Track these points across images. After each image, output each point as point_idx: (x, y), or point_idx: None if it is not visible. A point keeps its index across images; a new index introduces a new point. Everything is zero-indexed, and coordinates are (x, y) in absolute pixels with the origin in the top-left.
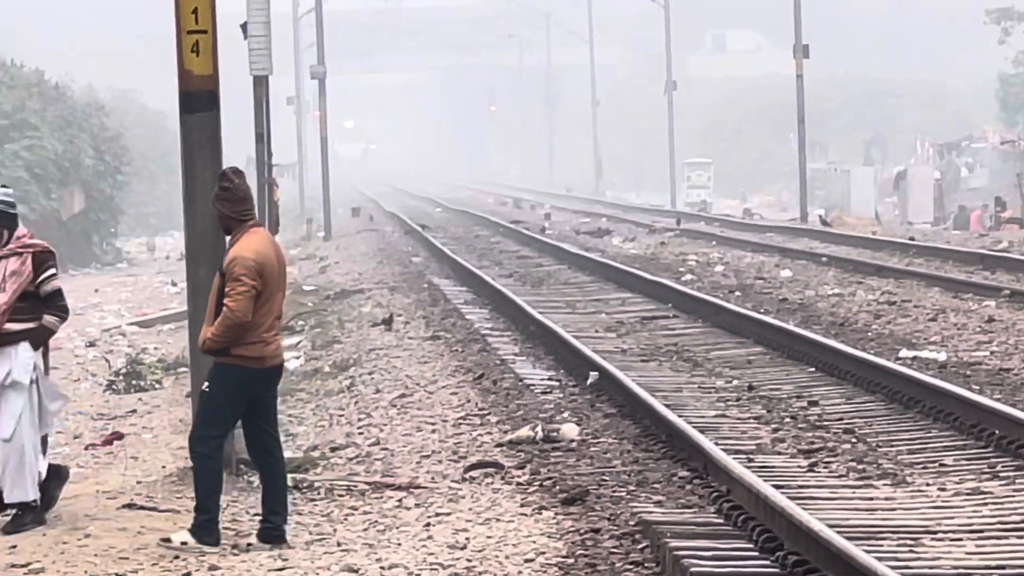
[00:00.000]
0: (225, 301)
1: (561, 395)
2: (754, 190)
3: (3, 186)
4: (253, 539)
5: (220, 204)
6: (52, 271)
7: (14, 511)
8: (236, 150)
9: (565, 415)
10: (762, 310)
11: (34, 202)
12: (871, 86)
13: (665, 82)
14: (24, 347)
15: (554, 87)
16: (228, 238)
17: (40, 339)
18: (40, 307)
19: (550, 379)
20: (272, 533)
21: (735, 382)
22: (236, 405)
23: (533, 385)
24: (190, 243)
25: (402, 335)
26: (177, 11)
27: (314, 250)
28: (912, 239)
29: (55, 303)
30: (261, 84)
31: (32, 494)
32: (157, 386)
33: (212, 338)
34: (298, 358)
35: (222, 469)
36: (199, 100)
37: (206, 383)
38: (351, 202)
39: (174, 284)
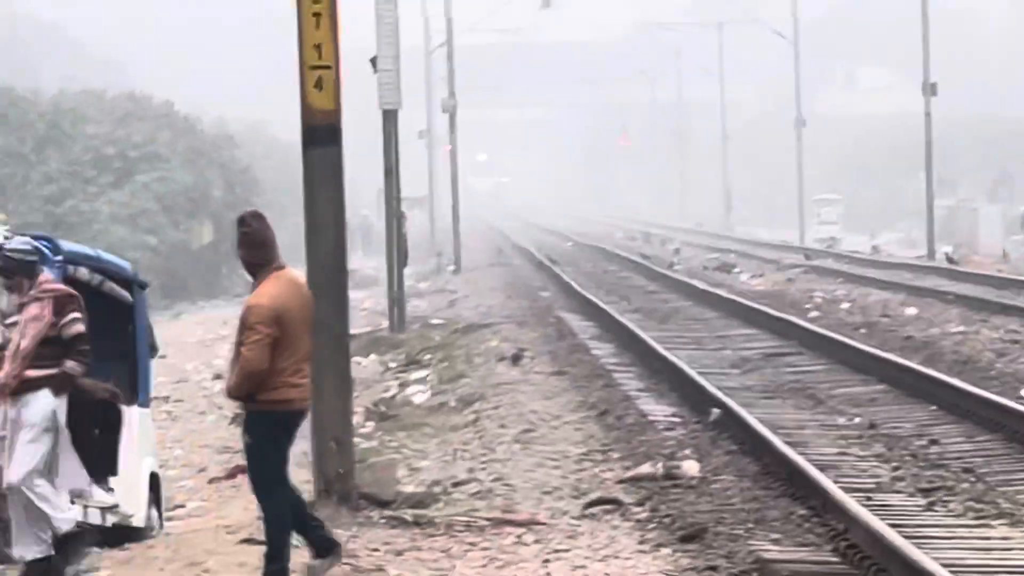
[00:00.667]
0: (241, 349)
1: (683, 431)
2: (883, 227)
3: (21, 233)
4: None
5: (240, 248)
6: (75, 315)
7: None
8: (368, 183)
9: (686, 452)
10: (886, 348)
11: (163, 234)
12: (1001, 124)
13: (795, 118)
14: (44, 394)
15: (685, 122)
16: (251, 282)
17: (63, 386)
18: (62, 352)
19: (673, 415)
20: (328, 540)
21: (857, 420)
22: (281, 447)
23: (656, 421)
24: (312, 276)
25: (528, 370)
26: (300, 47)
27: (443, 284)
28: None
29: (77, 348)
30: (390, 118)
31: (38, 551)
32: None
33: (233, 386)
34: (424, 392)
35: (289, 515)
36: (321, 134)
37: (246, 435)
38: (481, 235)
39: None
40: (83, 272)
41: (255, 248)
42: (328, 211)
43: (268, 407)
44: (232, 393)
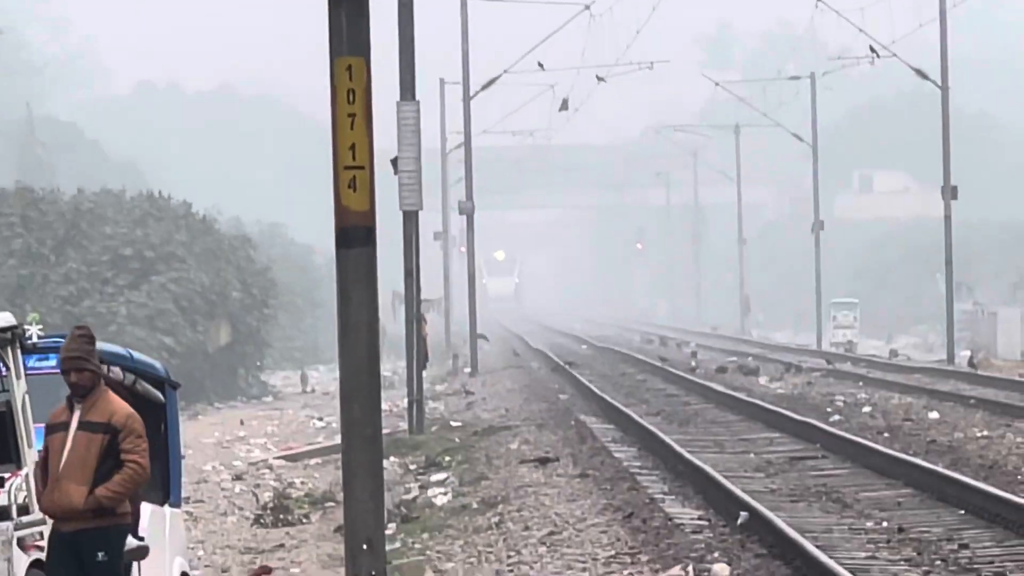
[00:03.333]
0: (133, 458)
1: (711, 535)
2: (899, 331)
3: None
4: None
5: (94, 359)
6: None
7: None
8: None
9: (716, 555)
10: (911, 452)
11: (181, 334)
12: (1019, 228)
13: (812, 222)
14: None
15: (701, 225)
16: (85, 397)
17: None
18: None
19: (699, 518)
20: None
21: (885, 524)
22: (120, 565)
23: (683, 524)
24: (345, 379)
25: (550, 472)
26: (335, 147)
27: (460, 385)
28: None
29: None
30: (411, 219)
31: None
32: (304, 520)
33: (113, 495)
34: (445, 494)
35: None
36: (355, 235)
37: (101, 553)
38: (497, 337)
39: (320, 419)
40: (116, 371)
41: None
42: (362, 313)
43: (123, 520)
44: (107, 503)
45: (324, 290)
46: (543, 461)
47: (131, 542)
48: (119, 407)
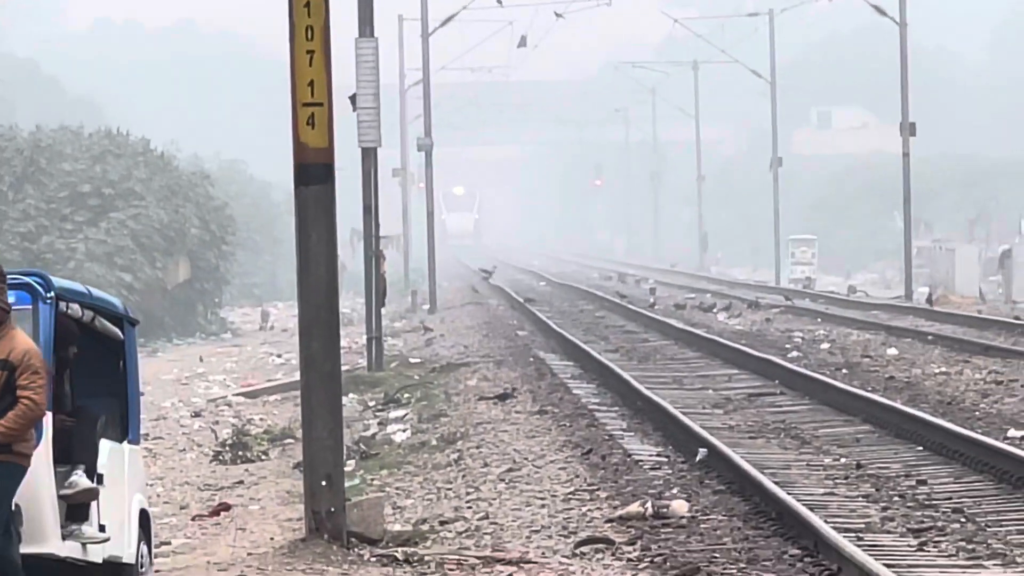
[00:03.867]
0: (27, 394)
1: (670, 471)
2: (858, 267)
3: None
4: None
5: (3, 296)
6: None
7: None
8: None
9: (675, 491)
10: (869, 388)
11: (139, 271)
12: (977, 164)
13: (771, 158)
14: None
15: (660, 162)
16: None
17: None
18: None
19: (658, 455)
20: None
21: (843, 460)
22: (10, 503)
23: (642, 461)
24: (304, 315)
25: (509, 409)
26: (293, 83)
27: (419, 322)
28: (1018, 318)
29: None
30: (370, 156)
31: None
32: (263, 457)
33: (5, 431)
34: (405, 431)
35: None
36: (314, 173)
37: None
38: (455, 274)
39: (279, 356)
40: (75, 308)
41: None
42: (321, 250)
43: (18, 460)
44: (1, 439)
45: (283, 227)
46: (502, 397)
47: (82, 483)
48: (19, 343)
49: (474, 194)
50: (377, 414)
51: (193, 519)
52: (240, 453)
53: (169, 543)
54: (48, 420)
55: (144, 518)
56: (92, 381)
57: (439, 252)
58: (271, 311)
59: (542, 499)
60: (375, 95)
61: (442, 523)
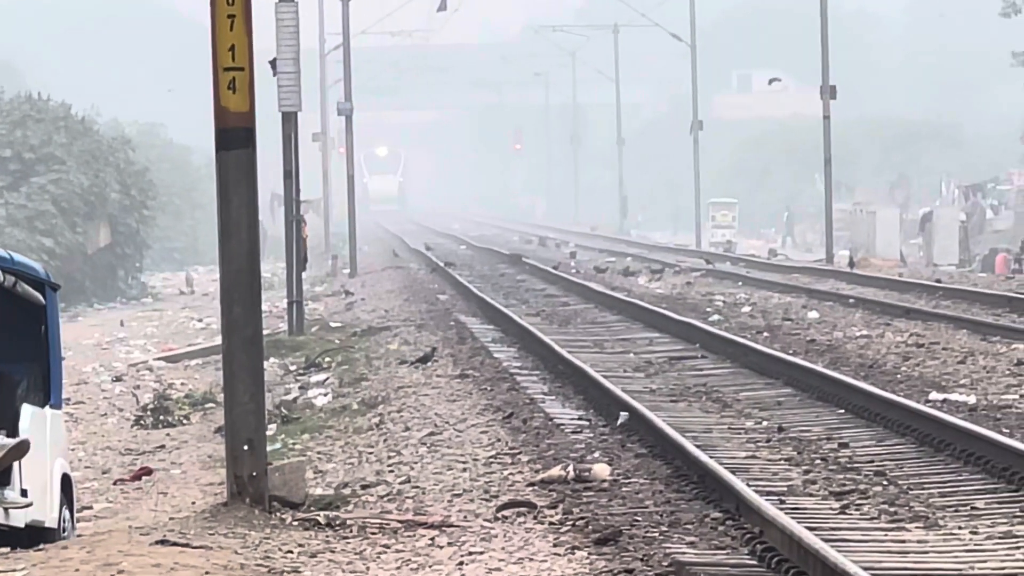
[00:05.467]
0: None
1: (591, 435)
2: (779, 230)
3: None
4: None
5: None
6: None
7: None
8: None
9: (596, 455)
10: (791, 351)
11: (60, 236)
12: (897, 127)
13: (691, 121)
14: None
15: (580, 125)
16: None
17: None
18: None
19: (580, 419)
20: None
21: (765, 423)
22: None
23: (563, 424)
24: (225, 280)
25: (430, 373)
26: (214, 48)
27: (340, 286)
28: (939, 281)
29: None
30: (290, 120)
31: None
32: (185, 421)
33: None
34: (326, 395)
35: None
36: (235, 137)
37: None
38: (376, 238)
39: (200, 320)
40: None
41: None
42: (242, 215)
43: None
44: None
45: (203, 191)
46: (424, 360)
47: (7, 441)
48: None
49: (398, 155)
50: (298, 378)
51: (115, 483)
52: (161, 418)
53: (91, 507)
54: None
55: (66, 483)
56: (13, 346)
57: (360, 217)
58: (192, 275)
59: (464, 463)
60: (295, 59)
61: (364, 487)
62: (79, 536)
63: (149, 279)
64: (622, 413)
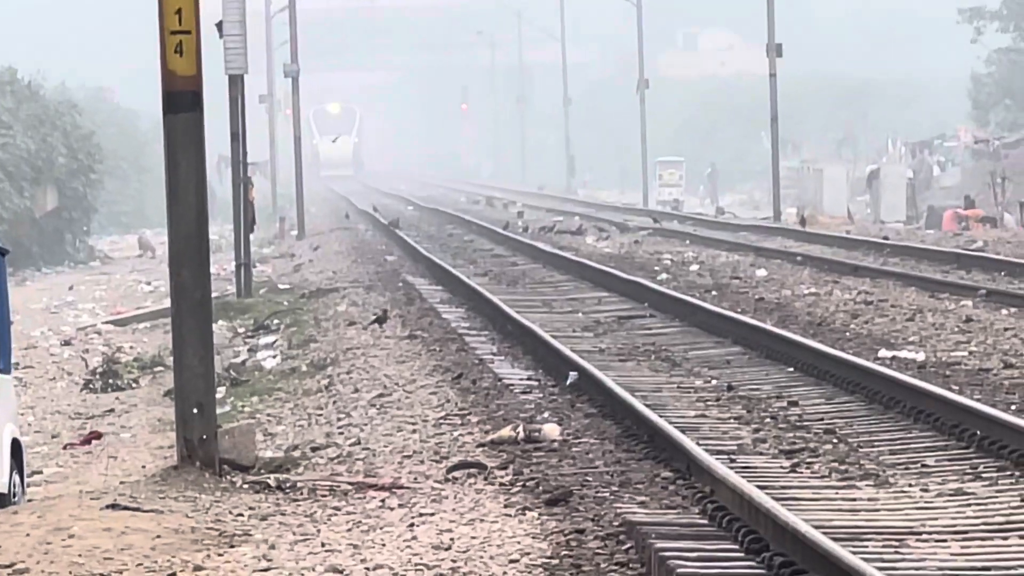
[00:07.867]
0: None
1: (541, 395)
2: (725, 189)
3: None
4: (234, 539)
5: None
6: None
7: None
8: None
9: (546, 415)
10: (739, 310)
11: (7, 200)
12: (843, 85)
13: (637, 80)
14: None
15: (526, 85)
16: None
17: None
18: None
19: (529, 379)
20: None
21: (714, 382)
22: None
23: (512, 385)
24: (174, 244)
25: (379, 334)
26: (161, 11)
27: (287, 248)
28: (887, 238)
29: None
30: (236, 83)
31: None
32: (134, 385)
33: None
34: (275, 357)
35: None
36: (183, 100)
37: None
38: (323, 200)
39: (148, 283)
40: None
41: None
42: (190, 178)
43: None
44: None
45: (151, 155)
46: (378, 321)
47: None
48: None
49: (353, 112)
50: (247, 341)
51: (64, 448)
52: (111, 381)
53: (41, 472)
54: None
55: (16, 447)
56: None
57: (307, 180)
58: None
59: (413, 424)
60: (241, 22)
61: (314, 449)
62: (29, 501)
63: (97, 243)
64: (571, 373)
